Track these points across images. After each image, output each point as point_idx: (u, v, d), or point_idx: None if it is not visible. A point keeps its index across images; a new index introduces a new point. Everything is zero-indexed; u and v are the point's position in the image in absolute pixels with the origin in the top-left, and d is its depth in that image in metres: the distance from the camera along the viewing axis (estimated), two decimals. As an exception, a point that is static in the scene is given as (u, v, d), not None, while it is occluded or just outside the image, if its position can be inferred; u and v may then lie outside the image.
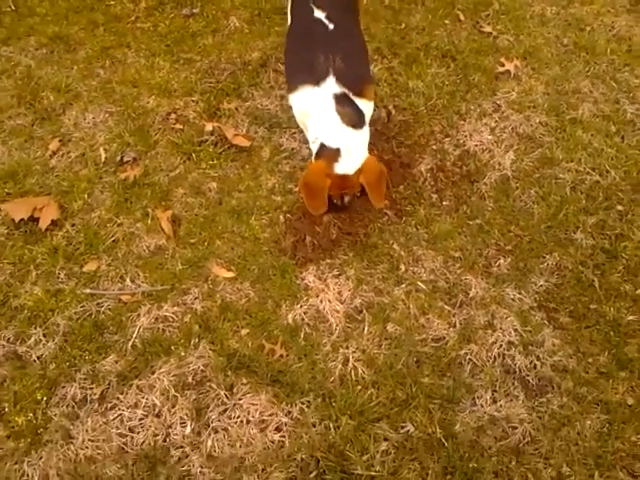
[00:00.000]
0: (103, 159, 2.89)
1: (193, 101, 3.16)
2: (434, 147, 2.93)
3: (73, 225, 2.63)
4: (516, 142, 2.95)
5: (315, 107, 2.44)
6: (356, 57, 2.55)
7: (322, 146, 2.41)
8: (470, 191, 2.74)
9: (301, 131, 3.02)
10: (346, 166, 2.38)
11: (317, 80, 2.42)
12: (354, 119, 2.40)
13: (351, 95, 2.41)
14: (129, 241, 2.58)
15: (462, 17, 3.69)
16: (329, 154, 2.38)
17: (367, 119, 2.52)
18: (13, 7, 3.72)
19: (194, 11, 3.73)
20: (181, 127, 3.05)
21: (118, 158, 2.88)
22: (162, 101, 3.16)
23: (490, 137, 2.98)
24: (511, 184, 2.76)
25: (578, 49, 3.47)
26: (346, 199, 2.50)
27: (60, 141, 2.97)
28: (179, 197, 2.75)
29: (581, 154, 2.86)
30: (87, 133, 3.02)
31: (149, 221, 2.65)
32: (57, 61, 3.40)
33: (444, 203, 2.70)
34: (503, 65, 3.34)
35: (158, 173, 2.84)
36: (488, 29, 3.60)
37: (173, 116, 3.10)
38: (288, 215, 2.64)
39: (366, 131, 2.48)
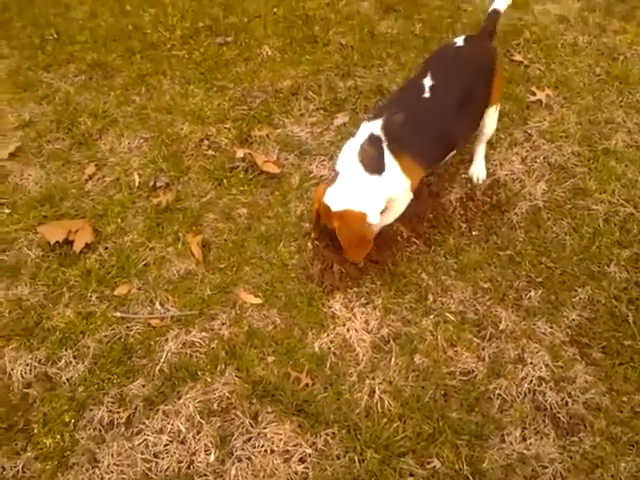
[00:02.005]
0: (137, 184, 2.96)
1: (225, 128, 3.22)
2: (464, 176, 2.92)
3: (106, 248, 2.68)
4: (548, 172, 2.92)
5: (355, 137, 2.43)
6: (421, 128, 2.37)
7: (334, 168, 2.41)
8: (500, 221, 2.71)
9: (331, 158, 3.05)
10: (332, 195, 2.31)
11: (371, 118, 2.42)
12: (369, 161, 2.30)
13: (385, 146, 2.31)
14: (160, 265, 2.62)
15: (493, 46, 3.70)
16: (331, 177, 2.38)
17: (388, 184, 2.34)
18: (55, 35, 3.87)
19: (228, 39, 3.82)
20: (213, 153, 3.10)
21: (151, 183, 2.95)
22: (195, 127, 3.23)
23: (521, 166, 2.96)
24: (542, 215, 2.72)
25: (611, 78, 3.44)
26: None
27: (96, 165, 3.05)
28: (209, 222, 2.78)
29: (614, 185, 2.82)
30: (122, 158, 3.09)
31: (180, 246, 2.68)
32: (95, 87, 3.51)
33: (474, 233, 2.67)
34: (534, 94, 3.33)
35: (190, 198, 2.88)
36: (519, 58, 3.60)
37: (206, 142, 3.16)
38: (316, 242, 2.65)
39: (373, 182, 2.30)
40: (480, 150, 2.90)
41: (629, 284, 2.45)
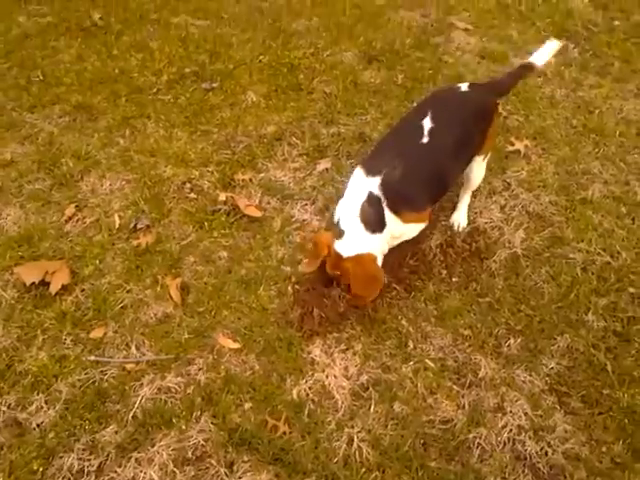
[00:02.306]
0: (117, 225, 2.94)
1: (208, 171, 3.24)
2: (444, 223, 2.95)
3: (83, 290, 2.64)
4: (526, 220, 2.96)
5: (353, 191, 2.46)
6: (419, 179, 2.43)
7: (337, 223, 2.43)
8: (480, 268, 2.73)
9: (313, 203, 3.07)
10: (343, 247, 2.37)
11: (369, 172, 2.43)
12: (370, 222, 2.38)
13: (385, 205, 2.38)
14: (137, 308, 2.58)
15: (473, 97, 3.79)
16: (337, 231, 2.41)
17: (393, 234, 2.47)
18: (41, 77, 3.90)
19: (214, 85, 3.88)
20: (195, 196, 3.11)
21: (132, 225, 2.93)
22: (178, 170, 3.24)
23: (500, 215, 3.00)
24: (521, 262, 2.75)
25: (587, 131, 3.54)
26: (337, 289, 2.49)
27: (76, 207, 3.03)
28: (189, 265, 2.77)
29: (592, 234, 2.86)
30: (103, 199, 3.08)
31: (158, 288, 2.66)
32: (79, 129, 3.52)
33: (453, 279, 2.69)
34: (513, 144, 3.40)
35: (170, 241, 2.87)
36: (498, 109, 3.68)
37: (188, 185, 3.17)
38: (297, 286, 2.64)
39: (378, 238, 2.40)
40: (465, 199, 2.95)
41: (607, 332, 2.46)
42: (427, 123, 2.48)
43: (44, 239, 2.85)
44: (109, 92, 3.79)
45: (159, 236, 2.89)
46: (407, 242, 2.73)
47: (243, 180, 3.19)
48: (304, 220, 2.99)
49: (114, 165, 3.28)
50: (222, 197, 3.06)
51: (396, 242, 2.57)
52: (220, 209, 3.01)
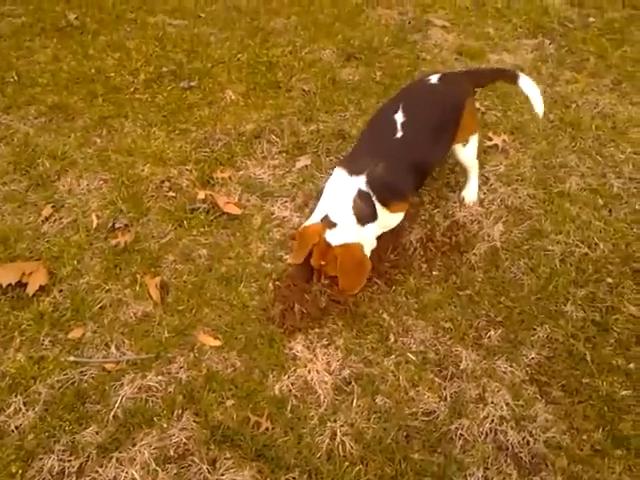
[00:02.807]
0: (95, 225, 2.91)
1: (187, 170, 3.22)
2: (424, 217, 2.96)
3: (61, 291, 2.61)
4: (505, 214, 2.98)
5: (339, 190, 2.53)
6: (400, 171, 2.56)
7: (326, 217, 2.49)
8: (460, 261, 2.74)
9: (292, 200, 3.06)
10: (334, 236, 2.43)
11: (352, 172, 2.52)
12: (362, 214, 2.48)
13: (375, 199, 2.51)
14: (116, 308, 2.55)
15: (451, 93, 3.81)
16: (328, 222, 2.46)
17: (382, 225, 2.61)
18: (16, 77, 3.86)
19: (192, 84, 3.86)
20: (174, 195, 3.09)
21: (110, 224, 2.90)
22: (156, 169, 3.22)
23: (479, 209, 3.02)
24: (500, 255, 2.77)
25: (564, 125, 3.58)
26: (321, 279, 2.53)
27: (53, 207, 2.99)
28: (169, 264, 2.74)
29: (569, 226, 2.89)
30: (80, 199, 3.05)
31: (137, 287, 2.63)
32: (55, 129, 3.48)
33: (434, 273, 2.70)
34: (491, 139, 3.43)
35: (149, 240, 2.84)
36: (476, 105, 3.70)
37: (167, 184, 3.15)
38: (277, 283, 2.63)
39: (368, 229, 2.52)
40: (471, 177, 3.05)
41: (585, 322, 2.49)
42: (399, 117, 2.60)
43: (20, 240, 2.81)
44: (86, 92, 3.76)
45: (138, 235, 2.86)
46: (388, 234, 2.75)
47: (222, 178, 3.18)
48: (284, 217, 2.99)
49: (91, 165, 3.25)
50: (201, 195, 3.04)
51: (379, 233, 2.64)
52: (199, 207, 3.00)
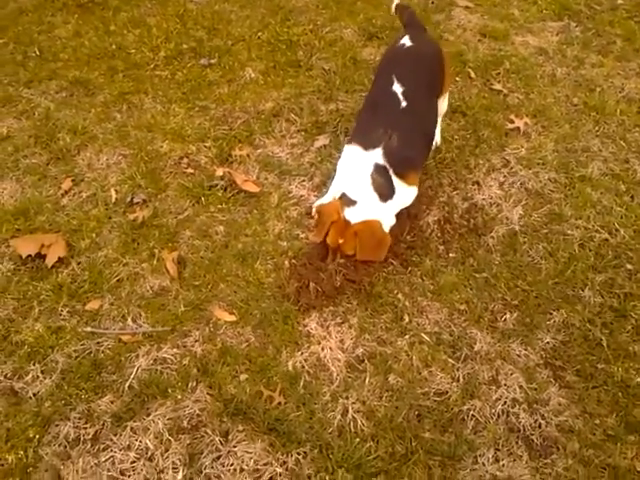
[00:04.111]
0: (114, 200, 2.93)
1: (206, 147, 3.22)
2: (442, 199, 2.94)
3: (79, 263, 2.64)
4: (524, 197, 2.95)
5: (355, 166, 2.54)
6: (414, 141, 2.59)
7: (343, 194, 2.51)
8: (477, 244, 2.72)
9: (310, 179, 3.05)
10: (353, 214, 2.45)
11: (367, 146, 2.53)
12: (383, 190, 2.50)
13: (391, 172, 2.51)
14: (133, 281, 2.58)
15: (473, 75, 3.77)
16: (347, 200, 2.48)
17: (400, 200, 2.59)
18: (38, 52, 3.86)
19: (212, 61, 3.84)
20: (192, 171, 3.09)
21: (128, 199, 2.92)
22: (175, 146, 3.22)
23: (498, 192, 2.98)
24: (519, 239, 2.74)
25: (588, 109, 3.51)
26: (337, 258, 2.54)
27: (73, 181, 3.02)
28: (186, 239, 2.76)
29: (590, 212, 2.85)
30: (100, 174, 3.07)
31: (155, 262, 2.65)
32: (76, 104, 3.50)
33: (450, 255, 2.68)
34: (513, 122, 3.38)
35: (167, 215, 2.86)
36: (498, 87, 3.66)
37: (185, 160, 3.15)
38: (293, 261, 2.64)
39: (389, 205, 2.54)
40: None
41: (603, 308, 2.46)
42: (397, 88, 2.63)
43: (40, 213, 2.84)
44: (106, 68, 3.76)
45: (156, 210, 2.88)
46: (405, 215, 2.74)
47: (240, 156, 3.17)
48: (301, 196, 2.98)
49: (111, 140, 3.26)
50: (219, 172, 3.05)
51: (397, 210, 2.64)
52: (217, 184, 3.00)
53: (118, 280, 2.58)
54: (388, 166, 2.50)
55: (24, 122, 3.37)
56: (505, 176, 3.08)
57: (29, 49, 3.90)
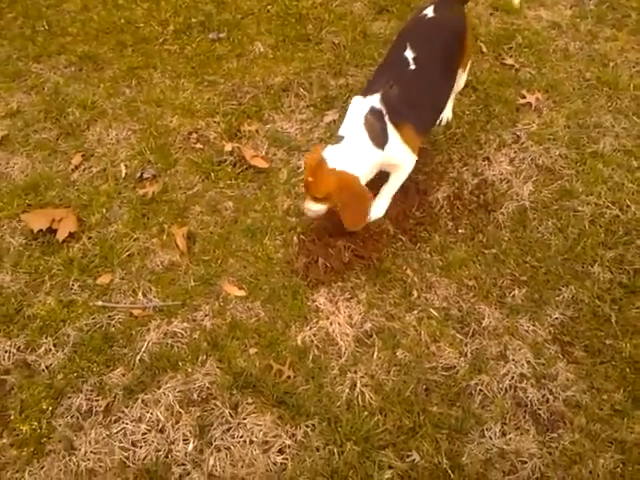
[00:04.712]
0: (123, 175, 2.94)
1: (215, 122, 3.20)
2: (452, 175, 2.92)
3: (90, 238, 2.66)
4: (535, 173, 2.93)
5: (354, 112, 2.46)
6: (416, 102, 2.48)
7: (338, 135, 2.46)
8: (487, 220, 2.71)
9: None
10: (331, 153, 2.35)
11: (367, 94, 2.45)
12: (374, 134, 2.38)
13: (387, 119, 2.40)
14: (144, 256, 2.60)
15: (485, 49, 3.71)
16: (336, 138, 2.44)
17: (391, 155, 2.45)
18: (46, 26, 3.84)
19: (220, 36, 3.80)
20: (201, 147, 3.09)
21: (138, 174, 2.93)
22: (184, 121, 3.21)
23: (509, 167, 2.96)
24: (528, 215, 2.73)
25: (601, 84, 3.46)
26: (308, 205, 2.44)
27: (83, 156, 3.02)
28: (195, 215, 2.77)
29: (601, 188, 2.83)
30: (109, 149, 3.07)
31: (164, 237, 2.67)
32: (85, 79, 3.48)
33: (460, 231, 2.67)
34: (524, 97, 3.34)
35: (176, 191, 2.87)
36: (510, 61, 3.61)
37: (194, 136, 3.14)
38: (302, 237, 2.64)
39: (376, 154, 2.39)
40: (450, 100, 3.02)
41: (612, 284, 2.46)
42: (409, 54, 2.53)
43: (51, 188, 2.86)
44: (115, 42, 3.73)
45: (165, 186, 2.88)
46: (414, 191, 2.73)
47: (249, 131, 3.16)
48: (311, 172, 2.97)
49: (120, 115, 3.26)
50: (228, 147, 3.04)
51: (383, 163, 2.50)
52: (226, 160, 3.00)
53: (128, 255, 2.60)
54: (385, 111, 2.38)
55: (33, 97, 3.36)
56: (516, 152, 3.05)
57: (37, 23, 3.87)
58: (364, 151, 2.37)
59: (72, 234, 2.64)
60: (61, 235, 2.62)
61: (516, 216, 2.73)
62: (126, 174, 2.94)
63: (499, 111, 3.26)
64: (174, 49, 3.71)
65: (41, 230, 2.63)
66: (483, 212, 2.75)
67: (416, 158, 2.58)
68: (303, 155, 3.02)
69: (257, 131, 3.17)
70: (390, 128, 2.40)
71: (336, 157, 2.33)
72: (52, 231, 2.64)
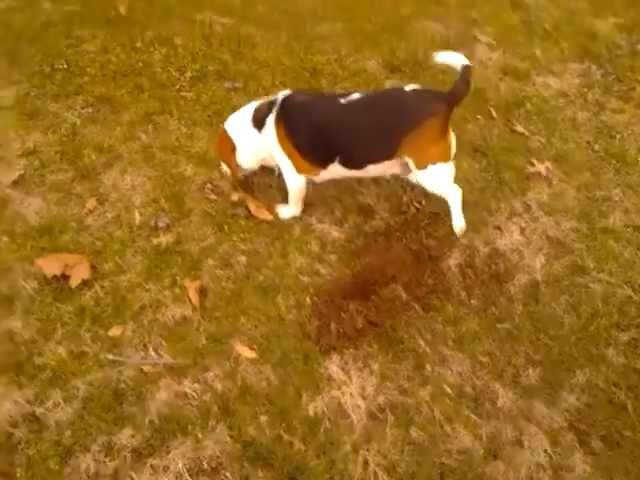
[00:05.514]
0: (137, 222, 2.93)
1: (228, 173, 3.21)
2: (463, 242, 2.95)
3: (102, 287, 2.63)
4: (546, 246, 2.96)
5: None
6: (316, 125, 2.74)
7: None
8: (499, 292, 2.73)
9: (331, 212, 3.05)
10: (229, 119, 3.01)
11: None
12: (257, 115, 2.87)
13: (274, 111, 2.79)
14: (156, 309, 2.57)
15: (494, 114, 3.80)
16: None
17: (268, 144, 2.86)
18: (65, 65, 3.86)
19: (236, 85, 3.86)
20: (215, 198, 3.10)
21: (152, 223, 2.92)
22: (199, 170, 3.23)
23: (520, 238, 3.00)
24: (541, 289, 2.75)
25: (609, 156, 3.55)
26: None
27: (97, 200, 3.02)
28: (208, 268, 2.76)
29: (612, 265, 2.86)
30: (124, 195, 3.07)
31: (177, 290, 2.65)
32: (102, 121, 3.50)
33: (472, 302, 2.68)
34: (534, 165, 3.40)
35: (190, 242, 2.86)
36: (520, 128, 3.69)
37: (209, 186, 3.15)
38: (315, 298, 2.64)
39: (251, 132, 2.90)
40: (451, 205, 2.95)
41: (627, 370, 2.45)
42: (355, 95, 2.73)
43: (65, 231, 2.84)
44: (132, 85, 3.76)
45: (179, 236, 2.88)
46: (426, 257, 2.76)
47: (263, 183, 3.18)
48: (322, 229, 2.98)
49: (136, 160, 3.26)
50: (234, 197, 3.07)
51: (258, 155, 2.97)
52: (240, 212, 3.01)
53: (141, 307, 2.58)
54: (278, 106, 2.76)
55: (50, 136, 3.36)
56: (526, 222, 3.10)
57: (57, 62, 3.89)
58: (244, 125, 2.89)
59: (85, 281, 2.62)
60: (74, 282, 2.60)
61: (528, 289, 2.75)
62: (140, 221, 2.93)
63: (509, 178, 3.32)
64: (190, 96, 3.75)
65: (55, 275, 2.60)
66: (495, 283, 2.77)
67: (298, 176, 2.86)
68: (316, 212, 3.04)
69: (270, 185, 3.19)
70: (270, 119, 2.77)
71: (228, 121, 2.96)
72: (65, 277, 2.61)
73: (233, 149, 2.94)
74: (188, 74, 3.91)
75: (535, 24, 4.86)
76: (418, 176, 2.80)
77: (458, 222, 2.95)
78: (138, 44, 4.14)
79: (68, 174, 3.15)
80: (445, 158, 2.76)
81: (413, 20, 4.76)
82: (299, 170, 2.83)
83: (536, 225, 3.08)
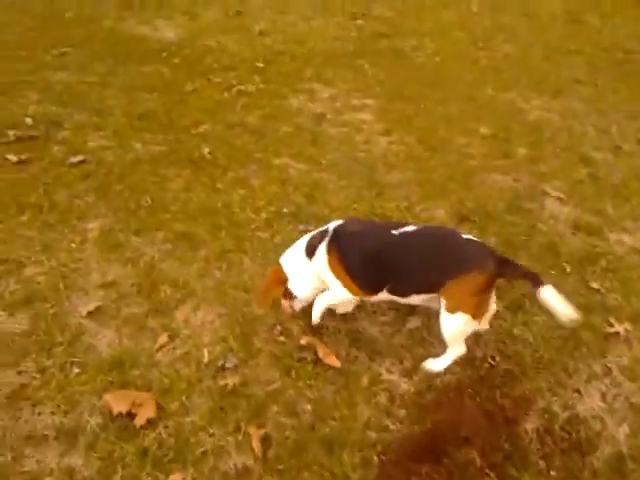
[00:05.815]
0: (206, 361, 2.93)
1: (298, 316, 3.23)
2: (541, 405, 2.80)
3: (166, 427, 2.59)
4: (630, 415, 2.78)
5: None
6: (371, 251, 2.84)
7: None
8: (581, 464, 2.53)
9: (401, 362, 2.98)
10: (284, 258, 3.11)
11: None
12: (309, 246, 2.99)
13: (325, 240, 2.92)
14: (217, 456, 2.50)
15: (568, 269, 3.75)
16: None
17: (318, 270, 2.96)
18: (150, 202, 4.11)
19: (309, 228, 3.96)
20: (284, 340, 3.09)
21: (220, 363, 2.91)
22: (269, 311, 3.25)
23: (601, 404, 2.83)
24: (627, 464, 2.54)
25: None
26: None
27: (169, 336, 3.06)
28: (273, 414, 2.69)
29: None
30: (194, 332, 3.11)
31: (240, 436, 2.58)
32: (179, 257, 3.64)
33: (552, 473, 2.50)
34: (613, 326, 3.28)
35: (256, 385, 2.82)
36: (596, 285, 3.62)
37: (278, 328, 3.16)
38: (382, 457, 2.51)
39: (303, 262, 2.99)
40: (447, 351, 2.93)
41: None
42: (409, 227, 2.87)
43: (135, 366, 2.86)
44: (210, 224, 3.94)
45: (245, 378, 2.85)
46: (502, 419, 2.61)
47: (332, 327, 3.17)
48: (391, 380, 2.90)
49: (209, 297, 3.33)
50: (303, 341, 3.05)
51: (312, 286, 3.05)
52: (307, 357, 2.97)
53: (202, 452, 2.51)
54: (329, 235, 2.88)
55: (129, 269, 3.50)
56: (607, 387, 2.93)
57: (142, 198, 4.15)
58: (298, 257, 3.00)
59: (149, 420, 2.59)
60: (139, 421, 2.57)
61: (613, 464, 2.54)
62: (208, 360, 2.94)
63: (587, 338, 3.20)
64: (265, 236, 3.89)
65: (120, 413, 2.59)
66: (577, 454, 2.58)
67: (347, 292, 2.91)
68: (385, 361, 2.98)
69: (339, 330, 3.17)
70: (322, 248, 2.88)
71: (283, 256, 3.08)
72: (130, 414, 2.59)
73: (284, 281, 3.03)
74: (264, 215, 4.09)
75: (602, 179, 4.93)
76: (442, 315, 2.80)
77: (437, 365, 2.96)
78: (219, 185, 4.40)
79: (143, 308, 3.23)
80: (476, 314, 2.79)
81: (481, 171, 4.91)
82: (346, 286, 2.91)
83: (619, 391, 2.91)
